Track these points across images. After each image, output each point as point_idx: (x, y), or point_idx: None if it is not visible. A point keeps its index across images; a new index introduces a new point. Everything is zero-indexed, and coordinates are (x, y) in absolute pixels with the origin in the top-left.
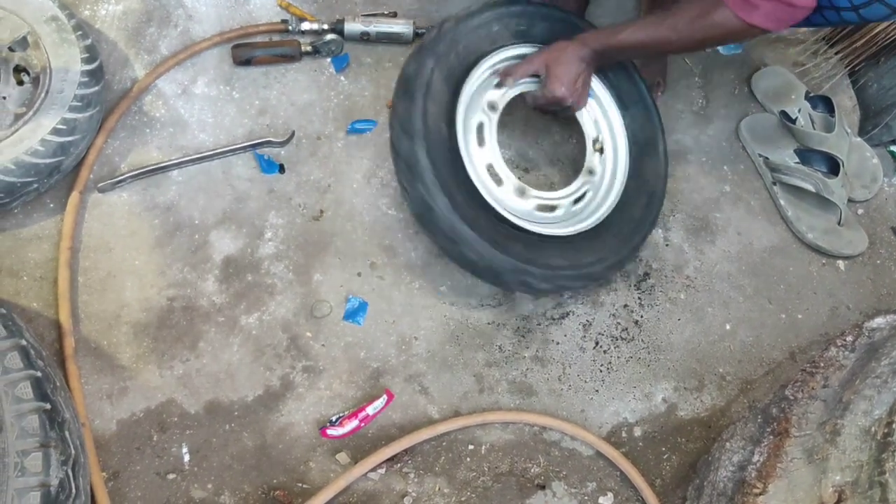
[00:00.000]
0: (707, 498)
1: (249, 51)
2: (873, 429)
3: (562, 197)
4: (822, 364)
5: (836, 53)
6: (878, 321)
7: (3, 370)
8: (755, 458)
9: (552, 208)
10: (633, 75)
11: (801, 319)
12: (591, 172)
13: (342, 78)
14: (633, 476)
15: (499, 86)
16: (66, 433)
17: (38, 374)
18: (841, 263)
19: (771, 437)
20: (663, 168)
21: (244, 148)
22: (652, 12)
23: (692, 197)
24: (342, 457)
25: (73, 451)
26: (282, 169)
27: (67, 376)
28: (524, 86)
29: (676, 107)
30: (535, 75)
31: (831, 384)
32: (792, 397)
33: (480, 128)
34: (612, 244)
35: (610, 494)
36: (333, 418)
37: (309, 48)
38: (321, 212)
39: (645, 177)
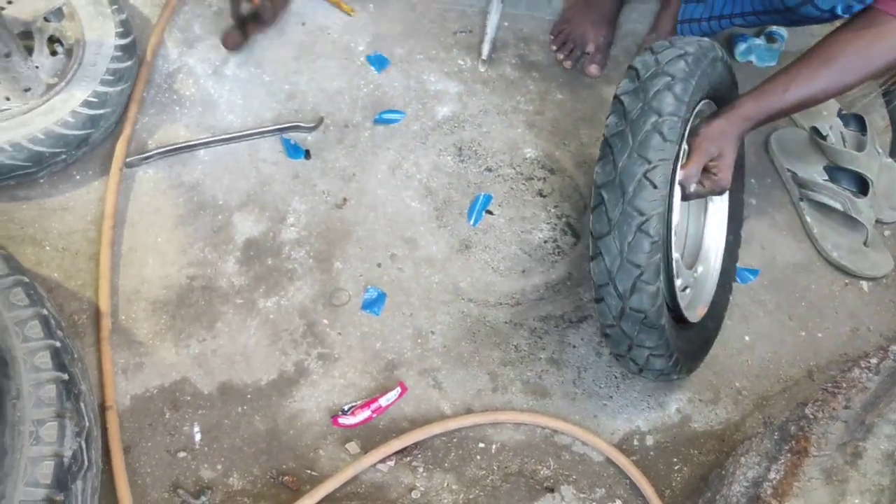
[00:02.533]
0: None
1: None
2: None
3: None
4: (844, 385)
5: None
6: None
7: (24, 338)
8: (771, 475)
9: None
10: None
11: (820, 338)
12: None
13: (372, 67)
14: (643, 485)
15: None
16: (82, 405)
17: (58, 344)
18: (864, 284)
19: (789, 454)
20: None
21: (272, 131)
22: (802, 59)
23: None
24: (352, 446)
25: (87, 424)
26: (308, 155)
27: (100, 357)
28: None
29: None
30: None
31: (853, 406)
32: (812, 416)
33: None
34: None
35: (619, 502)
36: (346, 407)
37: None
38: (344, 200)
39: None
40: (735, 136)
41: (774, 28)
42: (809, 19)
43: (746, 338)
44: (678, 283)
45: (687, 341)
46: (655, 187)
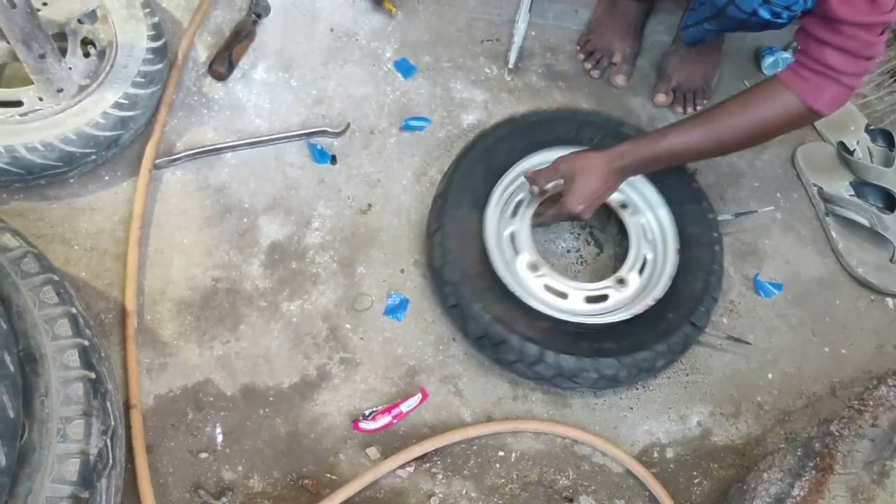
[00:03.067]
0: None
1: (226, 60)
2: None
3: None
4: (871, 402)
5: None
6: None
7: (53, 336)
8: (795, 491)
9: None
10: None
11: (844, 354)
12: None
13: (399, 74)
14: (662, 498)
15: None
16: (108, 403)
17: (86, 343)
18: (890, 301)
19: (813, 472)
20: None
21: (299, 136)
22: (697, 114)
23: (742, 221)
24: (372, 451)
25: (112, 422)
26: (334, 160)
27: (126, 356)
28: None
29: None
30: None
31: (881, 424)
32: (837, 433)
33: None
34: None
35: None
36: (367, 412)
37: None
38: (369, 206)
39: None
40: (603, 170)
41: None
42: (744, 25)
43: (769, 353)
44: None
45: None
46: None
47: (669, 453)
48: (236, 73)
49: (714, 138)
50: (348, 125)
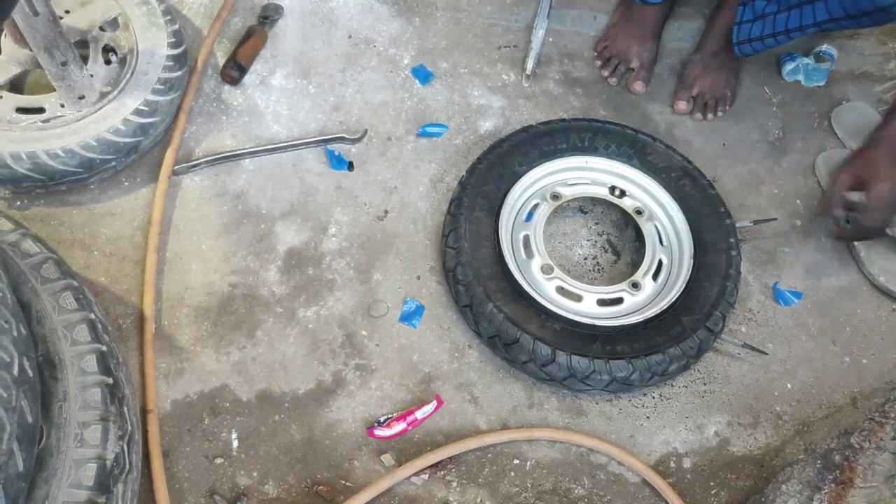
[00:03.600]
0: None
1: (232, 63)
2: None
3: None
4: (892, 415)
5: None
6: None
7: (72, 342)
8: None
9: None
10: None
11: (865, 365)
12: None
13: (417, 81)
14: None
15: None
16: (125, 409)
17: (104, 348)
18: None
19: (833, 484)
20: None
21: (317, 142)
22: None
23: (761, 229)
24: (387, 458)
25: (129, 428)
26: (351, 166)
27: (143, 361)
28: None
29: (752, 136)
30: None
31: None
32: (858, 446)
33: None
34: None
35: None
36: (382, 419)
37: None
38: (386, 212)
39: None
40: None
41: (825, 47)
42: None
43: (788, 363)
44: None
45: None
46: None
47: (686, 463)
48: (254, 79)
49: None
50: (366, 132)
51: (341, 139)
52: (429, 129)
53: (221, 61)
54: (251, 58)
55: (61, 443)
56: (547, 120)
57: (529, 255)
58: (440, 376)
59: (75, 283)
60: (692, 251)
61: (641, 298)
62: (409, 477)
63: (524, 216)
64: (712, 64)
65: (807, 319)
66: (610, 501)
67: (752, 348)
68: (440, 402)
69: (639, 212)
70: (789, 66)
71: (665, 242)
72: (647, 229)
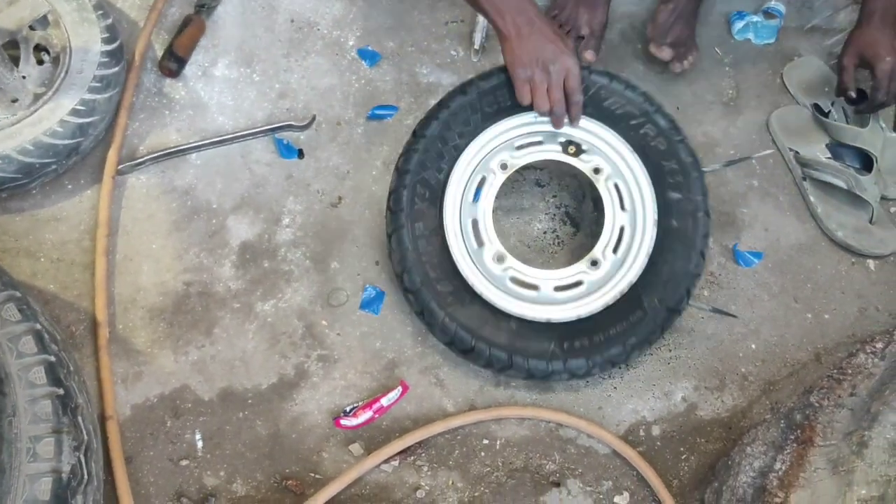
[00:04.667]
0: (725, 502)
1: (169, 55)
2: None
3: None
4: (849, 371)
5: None
6: None
7: (17, 354)
8: (777, 465)
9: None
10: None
11: (827, 320)
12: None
13: (364, 62)
14: (650, 477)
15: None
16: (79, 419)
17: (52, 358)
18: (871, 263)
19: (794, 444)
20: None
21: (264, 132)
22: None
23: (718, 191)
24: (355, 448)
25: (85, 437)
26: (301, 154)
27: (99, 367)
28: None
29: (706, 97)
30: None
31: (859, 393)
32: (817, 404)
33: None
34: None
35: (626, 494)
36: (347, 408)
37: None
38: (339, 199)
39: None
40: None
41: (773, 3)
42: None
43: (751, 323)
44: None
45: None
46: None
47: (655, 431)
48: (196, 70)
49: None
50: (314, 117)
51: (289, 127)
52: (378, 111)
53: (160, 54)
54: (189, 48)
55: (13, 459)
56: (487, 71)
57: (480, 243)
58: (404, 361)
59: (18, 294)
60: (655, 215)
61: (601, 276)
62: (379, 465)
63: (471, 196)
64: (686, 11)
65: (768, 279)
66: (581, 474)
67: (723, 312)
68: (405, 388)
69: (596, 170)
70: (739, 25)
71: (626, 206)
72: (606, 192)
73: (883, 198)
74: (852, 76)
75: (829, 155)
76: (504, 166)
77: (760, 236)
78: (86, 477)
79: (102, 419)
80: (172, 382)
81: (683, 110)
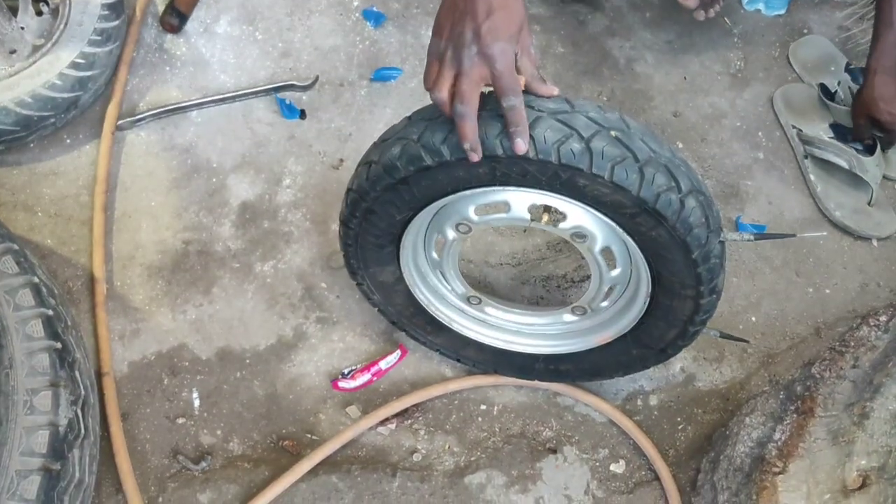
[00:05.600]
0: (723, 472)
1: (170, 10)
2: None
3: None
4: (852, 343)
5: None
6: None
7: (15, 307)
8: (776, 435)
9: None
10: None
11: (828, 294)
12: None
13: (368, 23)
14: (646, 446)
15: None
16: (77, 373)
17: (50, 312)
18: (874, 239)
19: (794, 415)
20: None
21: (266, 91)
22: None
23: (724, 163)
24: (352, 410)
25: (82, 392)
26: (303, 115)
27: (96, 323)
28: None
29: (714, 68)
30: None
31: (861, 365)
32: (819, 376)
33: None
34: None
35: (622, 462)
36: (345, 371)
37: None
38: (341, 161)
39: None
40: None
41: None
42: None
43: (752, 296)
44: None
45: None
46: None
47: (653, 400)
48: (198, 27)
49: None
50: (317, 78)
51: (292, 87)
52: (382, 73)
53: (162, 9)
54: (191, 3)
55: (10, 411)
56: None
57: (450, 289)
58: None
59: (15, 247)
60: (649, 288)
61: (587, 324)
62: (376, 427)
63: (433, 252)
64: None
65: (770, 252)
66: (578, 441)
67: (731, 337)
68: (404, 352)
69: (579, 236)
70: None
71: (619, 266)
72: (592, 257)
73: (885, 177)
74: (864, 131)
75: (833, 135)
76: (464, 228)
77: (764, 209)
78: (82, 431)
79: (99, 375)
80: (170, 341)
81: (691, 80)
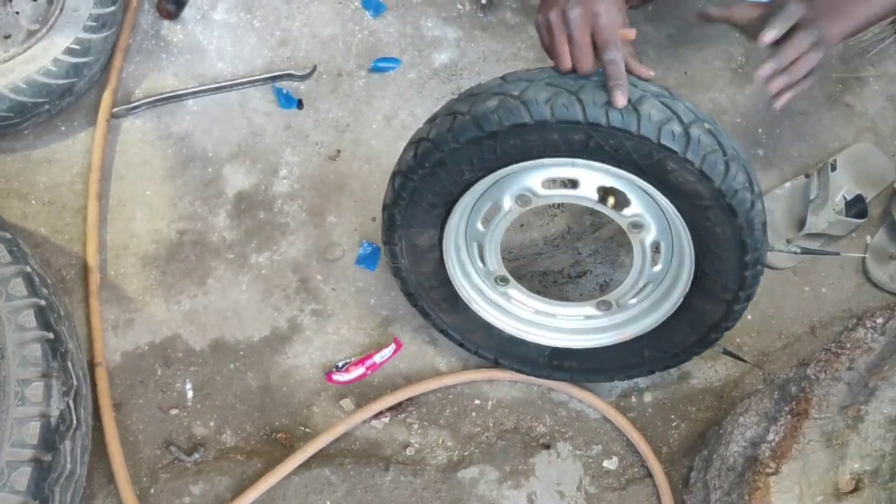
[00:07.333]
0: (715, 471)
1: None
2: None
3: None
4: (848, 345)
5: None
6: None
7: (7, 297)
8: (770, 436)
9: None
10: None
11: (825, 293)
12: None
13: (368, 13)
14: (639, 443)
15: None
16: (69, 364)
17: (42, 302)
18: (869, 238)
19: (788, 416)
20: None
21: (263, 80)
22: None
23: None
24: (346, 403)
25: (74, 382)
26: (300, 104)
27: (89, 313)
28: None
29: (714, 63)
30: None
31: (857, 367)
32: (814, 377)
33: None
34: None
35: (615, 458)
36: (340, 364)
37: None
38: (338, 152)
39: None
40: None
41: None
42: None
43: None
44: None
45: None
46: None
47: (647, 397)
48: (195, 13)
49: None
50: (315, 67)
51: (289, 76)
52: (381, 64)
53: None
54: None
55: (1, 402)
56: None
57: (484, 262)
58: (398, 319)
59: (8, 236)
60: (686, 288)
61: (608, 321)
62: (370, 420)
63: (478, 221)
64: None
65: None
66: (572, 437)
67: (734, 356)
68: (399, 345)
69: (636, 226)
70: None
71: (661, 264)
72: (641, 249)
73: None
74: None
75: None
76: (525, 200)
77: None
78: (74, 422)
79: (92, 365)
80: (164, 331)
81: (692, 76)
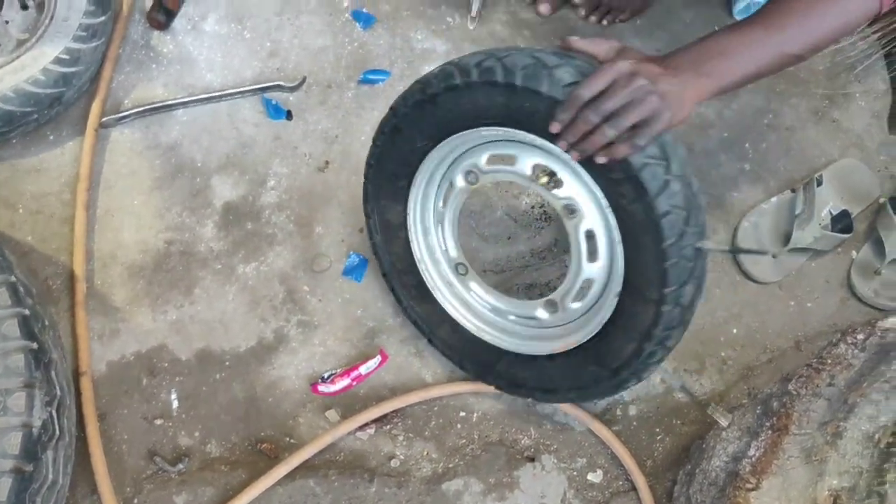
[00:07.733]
0: (698, 485)
1: (158, 6)
2: (877, 436)
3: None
4: (829, 361)
5: (873, 32)
6: (893, 321)
7: None
8: (751, 451)
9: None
10: None
11: (810, 308)
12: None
13: (358, 24)
14: (624, 456)
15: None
16: (53, 373)
17: (26, 311)
18: (854, 253)
19: (769, 431)
20: None
21: (253, 91)
22: (752, 20)
23: (709, 173)
24: (332, 414)
25: (58, 392)
26: (289, 115)
27: (75, 322)
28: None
29: None
30: None
31: (837, 383)
32: (795, 392)
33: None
34: None
35: (599, 471)
36: (325, 375)
37: None
38: (327, 163)
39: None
40: (694, 101)
41: None
42: None
43: (734, 308)
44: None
45: None
46: None
47: (632, 410)
48: (185, 24)
49: (792, 55)
50: (304, 79)
51: (279, 87)
52: (370, 76)
53: (149, 5)
54: (179, 0)
55: None
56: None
57: (445, 247)
58: (385, 330)
59: None
60: (619, 288)
61: (557, 319)
62: (355, 432)
63: (440, 200)
64: None
65: None
66: (556, 450)
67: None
68: (385, 357)
69: (570, 210)
70: (741, 5)
71: (599, 259)
72: (576, 237)
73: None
74: None
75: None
76: (472, 177)
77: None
78: (57, 432)
79: (77, 375)
80: (150, 341)
81: None
